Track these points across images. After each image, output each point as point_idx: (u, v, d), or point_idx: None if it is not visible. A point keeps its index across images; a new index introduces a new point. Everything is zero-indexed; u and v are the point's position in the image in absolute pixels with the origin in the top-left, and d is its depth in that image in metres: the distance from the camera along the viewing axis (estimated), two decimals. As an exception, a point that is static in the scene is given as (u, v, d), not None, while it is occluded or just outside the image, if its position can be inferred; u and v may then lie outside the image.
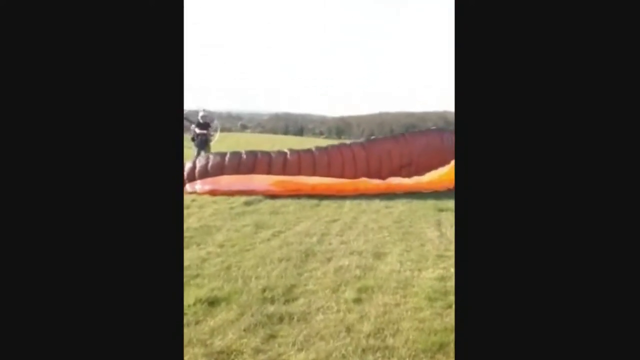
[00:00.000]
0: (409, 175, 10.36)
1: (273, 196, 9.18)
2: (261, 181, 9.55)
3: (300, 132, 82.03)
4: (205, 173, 9.79)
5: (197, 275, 4.42)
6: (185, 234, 5.98)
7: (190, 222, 6.73)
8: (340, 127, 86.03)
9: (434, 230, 6.50)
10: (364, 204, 8.56)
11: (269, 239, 5.89)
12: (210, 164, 9.83)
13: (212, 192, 9.51)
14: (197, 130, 13.05)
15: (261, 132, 77.36)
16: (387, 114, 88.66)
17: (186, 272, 4.48)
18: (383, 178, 10.19)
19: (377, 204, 8.57)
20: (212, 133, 13.58)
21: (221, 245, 5.52)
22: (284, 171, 9.82)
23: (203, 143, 13.01)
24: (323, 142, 23.88)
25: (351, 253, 5.29)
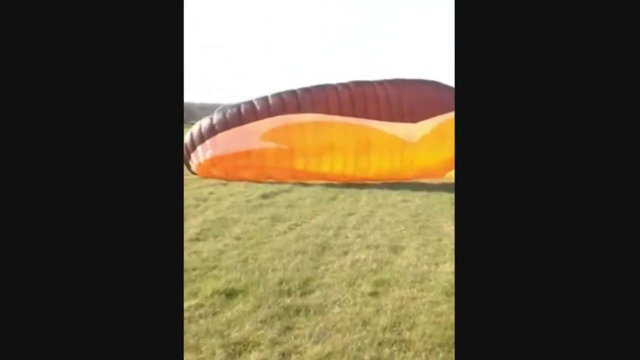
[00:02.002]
0: (400, 120, 9.94)
1: (288, 183, 9.23)
2: (253, 135, 9.52)
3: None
4: (201, 138, 9.91)
5: (215, 267, 4.46)
6: (203, 226, 6.04)
7: (208, 214, 6.79)
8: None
9: (451, 225, 6.45)
10: (380, 198, 8.53)
11: (285, 232, 5.91)
12: (203, 128, 9.95)
13: (214, 161, 9.63)
14: None
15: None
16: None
17: (203, 264, 4.53)
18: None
19: (393, 198, 8.54)
20: None
21: (238, 238, 5.56)
22: (269, 114, 9.71)
23: None
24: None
25: (367, 247, 5.28)
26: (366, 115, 9.92)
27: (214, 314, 3.45)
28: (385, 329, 3.24)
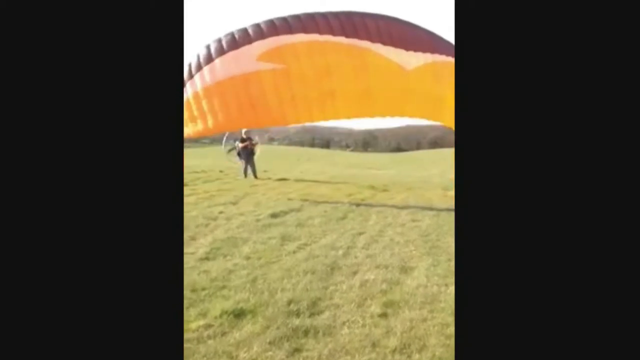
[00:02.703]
0: (391, 45, 9.77)
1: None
2: (248, 57, 9.38)
3: (326, 144, 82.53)
4: (198, 66, 9.72)
5: (224, 287, 4.46)
6: (213, 245, 6.05)
7: (217, 233, 6.81)
8: (366, 139, 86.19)
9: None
10: (389, 217, 8.50)
11: (294, 252, 5.90)
12: (201, 57, 9.74)
13: (210, 90, 9.36)
14: (240, 145, 14.41)
15: (288, 144, 77.96)
16: (414, 126, 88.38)
17: (213, 284, 4.53)
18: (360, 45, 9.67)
19: (403, 217, 8.51)
20: (254, 144, 14.77)
21: (247, 257, 5.56)
22: (262, 38, 9.46)
23: (249, 155, 14.41)
24: (349, 154, 23.95)
25: (377, 267, 5.25)
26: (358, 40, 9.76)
27: (223, 334, 3.44)
28: (394, 350, 3.21)
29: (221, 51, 9.53)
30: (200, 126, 9.85)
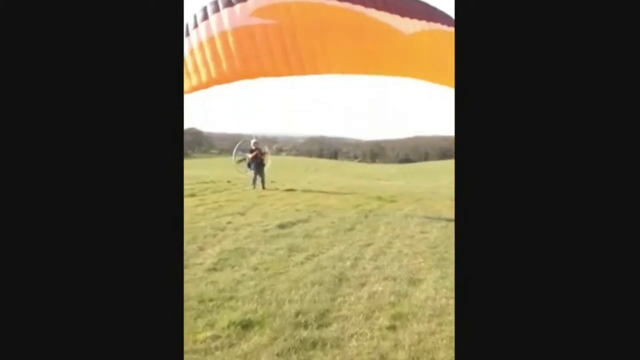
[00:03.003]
0: (385, 10, 9.60)
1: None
2: (242, 13, 9.43)
3: (334, 155, 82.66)
4: (195, 25, 9.75)
5: (231, 298, 4.45)
6: (220, 256, 6.06)
7: (225, 244, 6.82)
8: (374, 150, 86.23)
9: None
10: (398, 228, 8.47)
11: (302, 263, 5.89)
12: (198, 16, 9.77)
13: (201, 46, 9.44)
14: (250, 155, 14.69)
15: (296, 154, 78.12)
16: (422, 138, 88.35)
17: (220, 295, 4.52)
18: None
19: (411, 228, 8.47)
20: (263, 153, 14.99)
21: (255, 268, 5.56)
22: None
23: (259, 166, 14.57)
24: (357, 165, 23.96)
25: (385, 279, 5.22)
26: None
27: (230, 345, 3.43)
28: (403, 364, 3.18)
29: (216, 10, 9.68)
30: (194, 81, 9.97)
